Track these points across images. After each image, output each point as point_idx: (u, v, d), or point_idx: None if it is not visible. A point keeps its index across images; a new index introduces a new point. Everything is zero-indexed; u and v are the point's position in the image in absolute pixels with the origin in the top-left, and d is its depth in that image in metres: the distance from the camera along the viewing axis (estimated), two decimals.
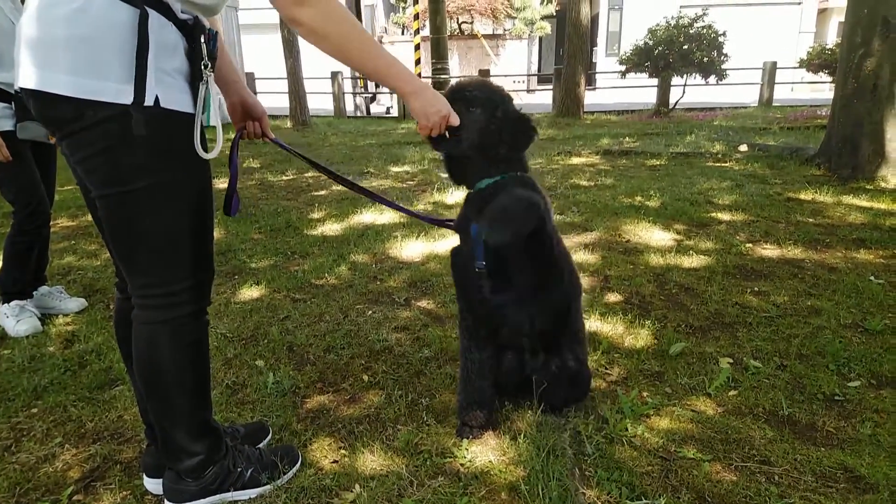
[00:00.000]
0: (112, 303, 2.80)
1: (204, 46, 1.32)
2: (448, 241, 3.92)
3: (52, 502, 1.66)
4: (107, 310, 3.00)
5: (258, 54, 17.45)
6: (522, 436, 1.81)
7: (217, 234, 4.32)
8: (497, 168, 1.75)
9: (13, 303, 2.78)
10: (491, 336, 1.85)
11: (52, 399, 2.18)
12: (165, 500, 1.59)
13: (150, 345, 1.45)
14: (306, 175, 6.44)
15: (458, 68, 22.22)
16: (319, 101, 14.48)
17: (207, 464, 1.57)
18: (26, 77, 1.24)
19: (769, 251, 3.56)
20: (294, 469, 1.74)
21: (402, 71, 1.50)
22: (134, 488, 1.70)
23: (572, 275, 1.88)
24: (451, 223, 1.92)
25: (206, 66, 1.32)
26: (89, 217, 4.88)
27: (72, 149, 1.32)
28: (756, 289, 3.00)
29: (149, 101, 1.25)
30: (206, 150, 1.36)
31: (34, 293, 2.92)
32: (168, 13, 1.27)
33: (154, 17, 1.23)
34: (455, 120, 1.61)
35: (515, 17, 23.87)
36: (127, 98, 1.23)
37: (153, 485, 1.68)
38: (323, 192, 5.65)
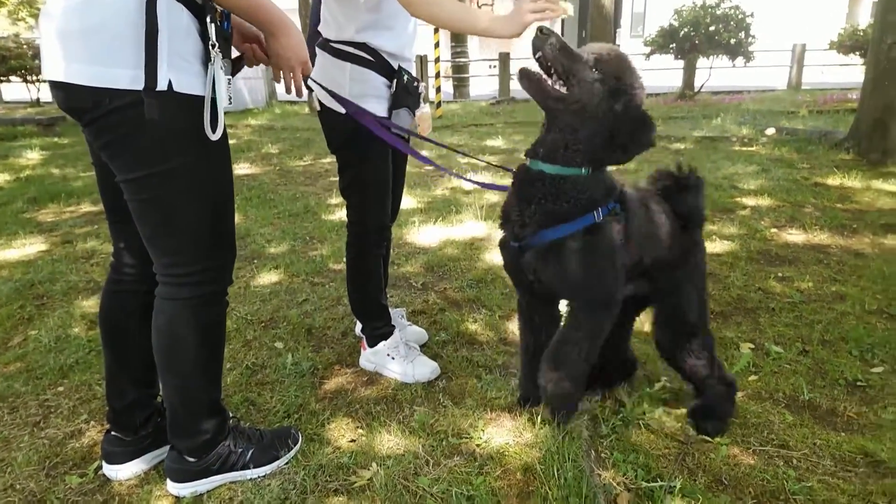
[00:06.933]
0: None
1: (213, 27, 1.31)
2: (464, 227, 3.91)
3: (79, 476, 1.71)
4: None
5: None
6: (539, 417, 1.82)
7: (236, 218, 4.37)
8: (576, 155, 1.55)
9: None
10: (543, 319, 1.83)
11: (78, 378, 2.24)
12: (167, 480, 1.62)
13: (171, 321, 1.48)
14: (324, 161, 6.46)
15: (478, 51, 22.01)
16: None
17: (212, 444, 1.59)
18: (48, 69, 1.28)
19: (794, 236, 3.49)
20: (295, 450, 1.75)
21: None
22: (157, 465, 1.74)
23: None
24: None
25: (213, 47, 1.31)
26: None
27: (94, 135, 1.34)
28: (780, 274, 2.95)
29: (161, 86, 1.25)
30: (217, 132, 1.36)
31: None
32: None
33: (163, 1, 1.23)
34: (308, 68, 1.50)
35: None
36: (140, 84, 1.24)
37: (112, 472, 1.68)
38: None
